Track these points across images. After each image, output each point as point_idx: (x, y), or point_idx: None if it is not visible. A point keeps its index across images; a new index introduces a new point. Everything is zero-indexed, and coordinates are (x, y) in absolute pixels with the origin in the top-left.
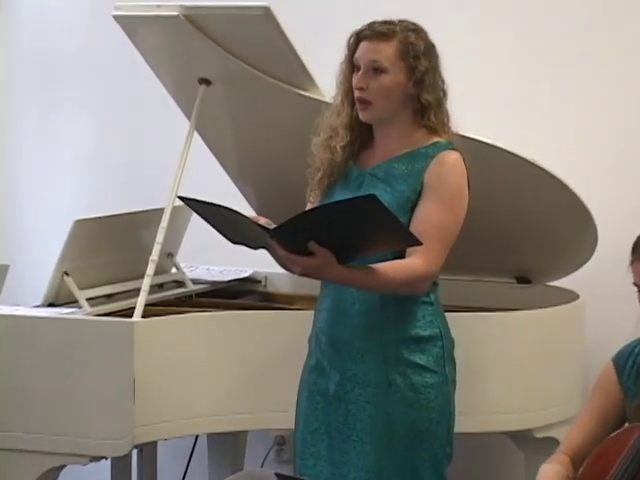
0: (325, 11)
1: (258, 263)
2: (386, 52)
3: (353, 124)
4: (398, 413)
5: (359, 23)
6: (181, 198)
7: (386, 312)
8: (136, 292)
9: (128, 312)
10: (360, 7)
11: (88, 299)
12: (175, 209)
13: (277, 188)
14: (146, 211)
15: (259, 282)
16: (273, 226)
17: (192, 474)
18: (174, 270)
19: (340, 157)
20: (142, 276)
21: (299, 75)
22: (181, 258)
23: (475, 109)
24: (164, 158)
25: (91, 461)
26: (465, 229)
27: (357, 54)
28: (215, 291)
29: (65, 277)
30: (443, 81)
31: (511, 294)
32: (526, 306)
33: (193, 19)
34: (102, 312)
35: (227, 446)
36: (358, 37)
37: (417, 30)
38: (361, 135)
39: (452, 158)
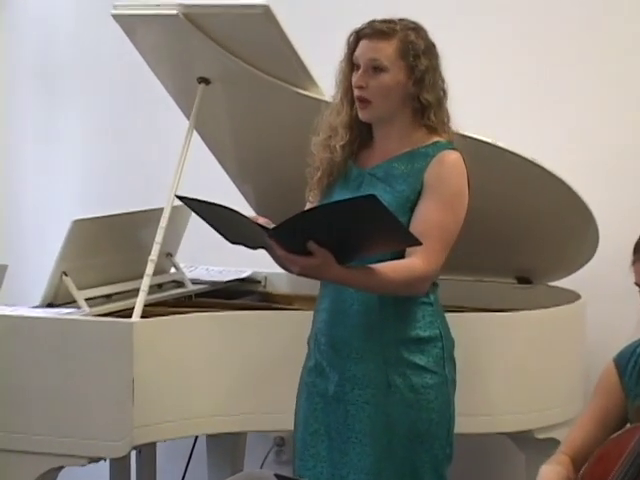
0: (325, 10)
1: (257, 263)
2: (386, 51)
3: (353, 123)
4: (398, 414)
5: (359, 22)
6: (179, 197)
7: (385, 312)
8: (135, 292)
9: (127, 312)
10: (360, 6)
11: (87, 299)
12: (174, 209)
13: (276, 187)
14: (145, 211)
15: (258, 282)
16: (272, 226)
17: (191, 475)
18: (173, 270)
19: (339, 156)
20: (141, 276)
21: (299, 74)
22: (180, 258)
23: (475, 109)
24: (163, 158)
25: (90, 462)
26: (466, 229)
27: (357, 53)
28: (214, 291)
29: (64, 277)
30: (443, 80)
31: (512, 294)
32: (527, 306)
33: (192, 18)
34: (101, 312)
35: (226, 447)
36: (358, 35)
37: (417, 29)
38: (361, 134)
39: (452, 158)
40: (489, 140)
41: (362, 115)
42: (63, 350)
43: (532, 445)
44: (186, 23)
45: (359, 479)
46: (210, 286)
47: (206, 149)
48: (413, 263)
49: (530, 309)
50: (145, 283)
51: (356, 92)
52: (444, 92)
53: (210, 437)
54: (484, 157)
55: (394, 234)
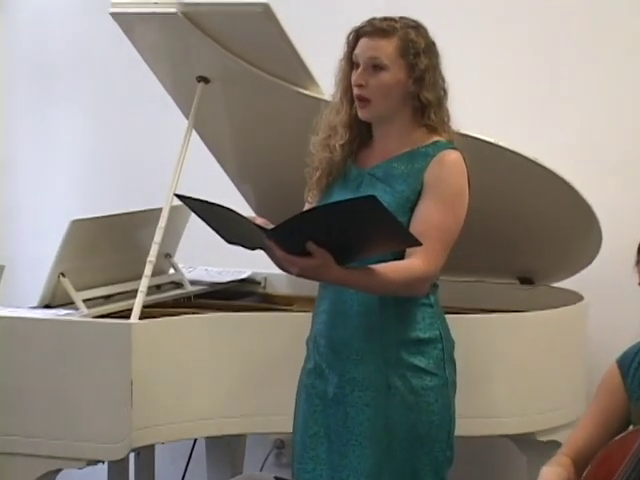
0: (325, 8)
1: (257, 264)
2: (386, 49)
3: (352, 122)
4: (398, 416)
5: (359, 20)
6: (178, 196)
7: (385, 314)
8: (133, 293)
9: (125, 314)
10: (361, 5)
11: (85, 300)
12: (173, 209)
13: (276, 187)
14: (144, 211)
15: (258, 283)
16: (270, 226)
17: (190, 478)
18: (172, 271)
19: (339, 156)
20: (140, 277)
21: (299, 73)
22: (179, 259)
23: (475, 109)
24: (162, 157)
25: (88, 465)
26: (467, 229)
27: (356, 51)
28: (214, 292)
29: (61, 278)
30: (443, 79)
31: (514, 295)
32: (529, 307)
33: (191, 16)
34: (99, 314)
35: (226, 450)
36: (358, 34)
37: (417, 27)
38: (360, 134)
39: (452, 157)
40: (491, 140)
41: (362, 114)
42: (61, 352)
43: (534, 447)
44: (185, 21)
45: None
46: (209, 287)
47: (205, 149)
48: (413, 264)
49: (532, 310)
50: (144, 284)
51: (356, 91)
52: (444, 91)
53: (209, 439)
54: (486, 157)
55: (394, 235)
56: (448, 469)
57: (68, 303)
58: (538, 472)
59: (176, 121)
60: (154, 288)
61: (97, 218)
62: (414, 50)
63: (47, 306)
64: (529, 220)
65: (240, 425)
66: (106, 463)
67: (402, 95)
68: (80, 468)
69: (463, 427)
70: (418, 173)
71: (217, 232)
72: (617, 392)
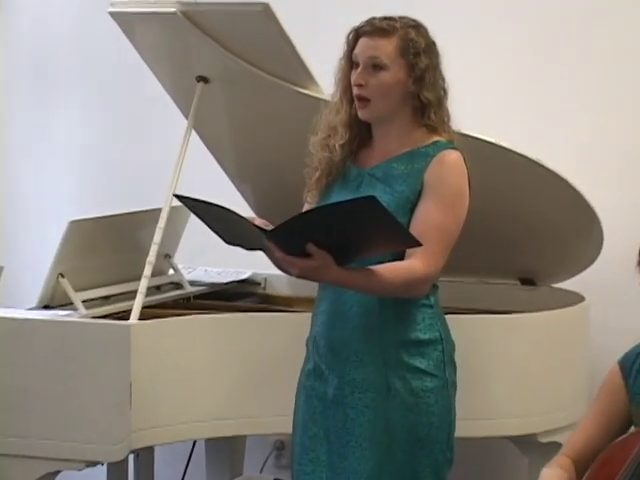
0: (325, 8)
1: (257, 264)
2: (386, 48)
3: (352, 122)
4: (397, 418)
5: (359, 20)
6: (177, 196)
7: (385, 315)
8: (133, 294)
9: (125, 314)
10: (361, 4)
11: (84, 301)
12: (173, 209)
13: (276, 188)
14: (143, 211)
15: (258, 284)
16: (270, 227)
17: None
18: (171, 272)
19: (339, 156)
20: (139, 278)
21: (299, 73)
22: (179, 259)
23: (474, 109)
24: (161, 157)
25: (87, 466)
26: (468, 229)
27: (356, 50)
28: (213, 293)
29: (60, 279)
30: (443, 79)
31: (515, 296)
32: (530, 308)
33: (191, 16)
34: (98, 314)
35: (225, 451)
36: (357, 33)
37: (417, 27)
38: (360, 134)
39: (452, 157)
40: (492, 140)
41: (361, 114)
42: (60, 353)
43: (535, 449)
44: (184, 21)
45: None
46: (209, 288)
47: (205, 149)
48: (413, 265)
49: (533, 311)
50: (143, 285)
51: (355, 90)
52: (444, 91)
53: (209, 441)
54: (487, 157)
55: (394, 235)
56: (448, 471)
57: (67, 304)
58: (539, 474)
59: (175, 121)
60: (153, 289)
61: (96, 218)
62: (414, 50)
63: (46, 307)
64: (530, 221)
65: (240, 426)
66: (105, 465)
67: (402, 95)
68: (79, 470)
69: (463, 428)
70: (418, 173)
71: (216, 233)
72: (618, 393)
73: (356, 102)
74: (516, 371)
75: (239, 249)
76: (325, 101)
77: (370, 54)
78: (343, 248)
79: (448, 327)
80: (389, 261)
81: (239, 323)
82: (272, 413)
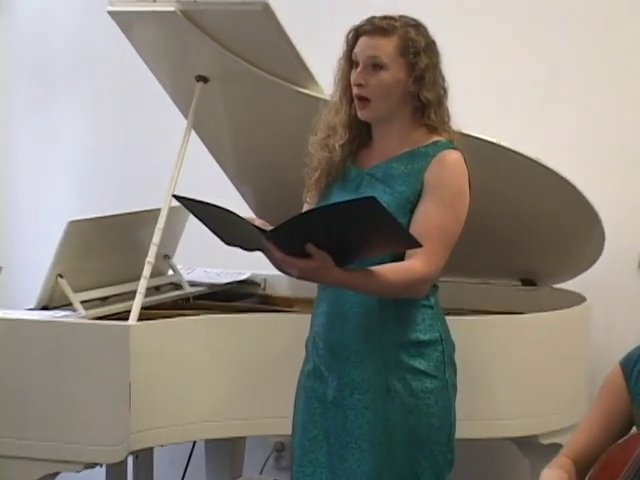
0: (325, 7)
1: (257, 265)
2: (386, 48)
3: (352, 122)
4: (397, 419)
5: (359, 19)
6: (175, 197)
7: (385, 315)
8: (132, 295)
9: (124, 315)
10: (361, 3)
11: (83, 302)
12: (172, 210)
13: (276, 188)
14: (142, 212)
15: (258, 284)
16: (269, 228)
17: None
18: (171, 272)
19: (338, 156)
20: (138, 278)
21: (299, 72)
22: (178, 260)
23: (474, 109)
24: (161, 157)
25: (85, 468)
26: (468, 230)
27: (356, 49)
28: (213, 293)
29: (59, 279)
30: (443, 79)
31: (516, 296)
32: (531, 309)
33: (190, 15)
34: (97, 315)
35: (225, 452)
36: (357, 32)
37: (417, 26)
38: (360, 134)
39: (452, 157)
40: (493, 140)
41: (361, 115)
42: (58, 354)
43: (537, 450)
44: (184, 20)
45: None
46: (208, 288)
47: (204, 149)
48: (413, 265)
49: (534, 312)
50: (142, 285)
51: (355, 90)
52: (444, 90)
53: (208, 442)
54: (487, 157)
55: (394, 236)
56: (449, 473)
57: (66, 305)
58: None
59: (175, 121)
60: (153, 289)
61: (95, 219)
62: (414, 49)
63: (44, 307)
64: (531, 221)
65: (239, 427)
66: (104, 466)
67: (402, 94)
68: (78, 471)
69: (464, 430)
70: (418, 173)
71: (215, 234)
72: (620, 394)
73: (356, 102)
74: (517, 372)
75: (239, 249)
76: (325, 101)
77: (370, 53)
78: (343, 249)
79: (448, 328)
80: (389, 262)
81: (238, 324)
82: (272, 414)
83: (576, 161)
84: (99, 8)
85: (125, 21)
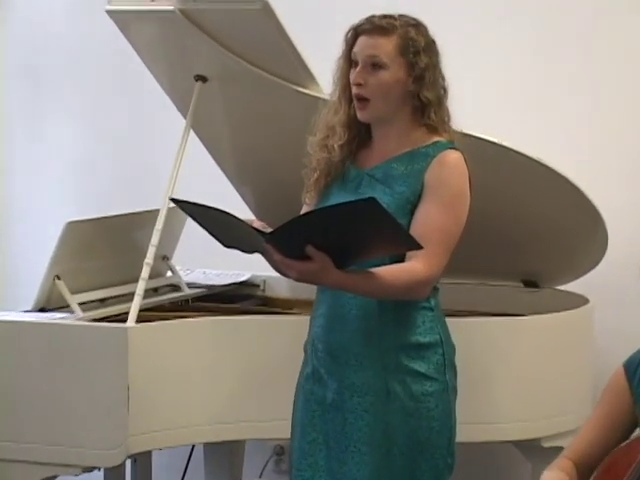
0: (325, 6)
1: (256, 266)
2: (385, 47)
3: (351, 122)
4: (397, 422)
5: (359, 18)
6: (173, 200)
7: (385, 318)
8: (130, 296)
9: (122, 317)
10: (361, 2)
11: (80, 304)
12: (170, 210)
13: (276, 189)
14: (141, 213)
15: (257, 286)
16: (268, 230)
17: None
18: (169, 274)
19: (338, 156)
20: (136, 280)
21: (298, 72)
22: (177, 261)
23: (474, 109)
24: (159, 158)
25: (83, 471)
26: (470, 231)
27: (355, 49)
28: (212, 295)
29: (56, 281)
30: (444, 78)
31: (518, 298)
32: (534, 311)
33: (189, 14)
34: (95, 317)
35: (224, 456)
36: (356, 31)
37: (417, 25)
38: (359, 134)
39: (453, 158)
40: (494, 140)
41: (361, 115)
42: (56, 356)
43: (539, 454)
44: (182, 19)
45: None
46: (207, 290)
47: (203, 149)
48: (414, 267)
49: (536, 313)
50: (140, 287)
51: (354, 90)
52: (444, 90)
53: (208, 445)
54: (489, 157)
55: (394, 237)
56: (449, 476)
57: (63, 306)
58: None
59: (174, 121)
60: (151, 291)
61: (93, 220)
62: (414, 48)
63: (42, 309)
64: (533, 222)
65: (239, 431)
66: (102, 470)
67: (401, 94)
68: (76, 475)
69: (466, 433)
70: (418, 174)
71: (214, 236)
72: (622, 396)
73: (355, 102)
74: (519, 374)
75: (238, 251)
76: (325, 100)
77: (369, 53)
78: (343, 250)
79: (448, 330)
80: (387, 264)
81: (238, 325)
82: (271, 417)
83: (578, 162)
84: (97, 8)
85: (123, 20)
